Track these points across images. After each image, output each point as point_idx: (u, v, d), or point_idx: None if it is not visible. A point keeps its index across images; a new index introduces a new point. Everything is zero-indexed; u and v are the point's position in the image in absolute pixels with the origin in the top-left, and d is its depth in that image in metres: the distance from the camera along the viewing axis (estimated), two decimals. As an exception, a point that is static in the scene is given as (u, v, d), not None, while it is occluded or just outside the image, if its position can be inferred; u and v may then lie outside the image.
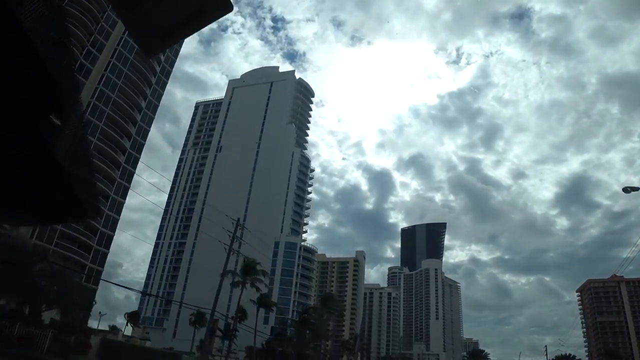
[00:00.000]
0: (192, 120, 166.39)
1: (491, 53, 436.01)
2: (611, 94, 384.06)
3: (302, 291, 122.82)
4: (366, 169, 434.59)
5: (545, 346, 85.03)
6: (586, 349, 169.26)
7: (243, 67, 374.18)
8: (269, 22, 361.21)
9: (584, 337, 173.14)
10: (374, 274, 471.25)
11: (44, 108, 1.59)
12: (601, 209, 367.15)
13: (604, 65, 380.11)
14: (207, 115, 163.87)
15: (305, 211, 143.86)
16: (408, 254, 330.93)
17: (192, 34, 2.07)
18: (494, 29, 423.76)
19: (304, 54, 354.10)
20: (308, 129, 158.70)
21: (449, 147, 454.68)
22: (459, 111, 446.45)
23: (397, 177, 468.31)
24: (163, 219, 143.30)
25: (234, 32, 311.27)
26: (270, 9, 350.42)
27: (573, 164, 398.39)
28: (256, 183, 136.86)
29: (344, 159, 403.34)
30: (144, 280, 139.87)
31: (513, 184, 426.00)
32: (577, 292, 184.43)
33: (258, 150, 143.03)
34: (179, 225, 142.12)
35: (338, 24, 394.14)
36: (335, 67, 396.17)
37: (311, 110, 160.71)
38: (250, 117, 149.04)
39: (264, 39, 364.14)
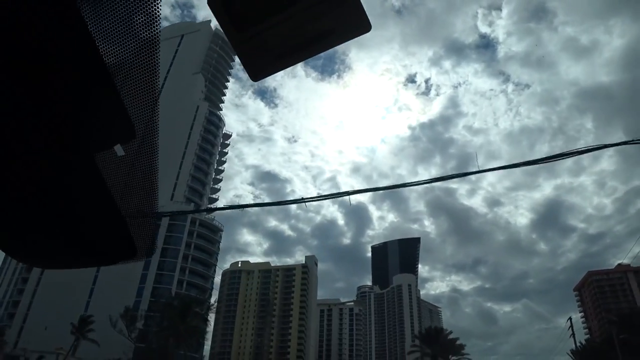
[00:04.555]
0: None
1: (459, 84, 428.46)
2: (585, 107, 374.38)
3: (193, 280, 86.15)
4: (342, 204, 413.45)
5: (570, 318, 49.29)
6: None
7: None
8: (237, 60, 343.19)
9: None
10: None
11: (110, 139, 1.32)
12: (577, 233, 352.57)
13: (577, 78, 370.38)
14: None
15: (218, 184, 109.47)
16: (380, 273, 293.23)
17: (315, 55, 1.74)
18: (461, 60, 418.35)
19: (275, 89, 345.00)
20: (226, 87, 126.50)
21: (423, 178, 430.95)
22: (431, 142, 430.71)
23: (373, 211, 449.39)
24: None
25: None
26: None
27: (546, 189, 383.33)
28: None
29: (319, 194, 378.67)
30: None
31: (489, 212, 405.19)
32: (574, 290, 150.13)
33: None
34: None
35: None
36: (306, 102, 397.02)
37: (232, 68, 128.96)
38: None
39: (234, 76, 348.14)
